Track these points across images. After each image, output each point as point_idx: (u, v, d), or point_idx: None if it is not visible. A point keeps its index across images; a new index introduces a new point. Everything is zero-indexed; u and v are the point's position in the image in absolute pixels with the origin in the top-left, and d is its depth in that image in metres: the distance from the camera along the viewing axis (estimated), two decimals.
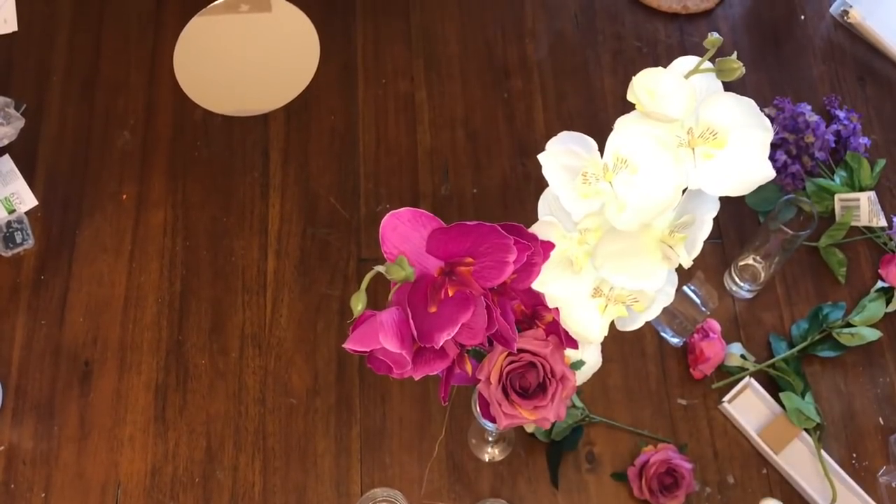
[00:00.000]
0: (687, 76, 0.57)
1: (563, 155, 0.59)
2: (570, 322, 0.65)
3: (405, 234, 0.57)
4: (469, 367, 0.61)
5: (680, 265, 0.60)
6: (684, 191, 0.59)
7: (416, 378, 0.59)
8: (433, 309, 0.56)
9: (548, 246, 0.61)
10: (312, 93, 1.21)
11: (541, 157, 0.59)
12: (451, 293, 0.56)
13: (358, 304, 0.56)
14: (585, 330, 0.64)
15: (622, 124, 0.58)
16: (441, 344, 0.55)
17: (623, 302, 0.62)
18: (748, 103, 0.57)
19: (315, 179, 1.15)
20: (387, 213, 0.56)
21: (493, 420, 0.68)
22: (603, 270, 0.60)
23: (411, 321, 0.56)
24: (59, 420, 1.02)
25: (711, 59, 0.58)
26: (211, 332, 1.06)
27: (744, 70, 0.57)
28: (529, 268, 0.61)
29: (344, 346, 0.57)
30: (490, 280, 0.57)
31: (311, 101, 1.21)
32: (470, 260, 0.56)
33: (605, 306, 0.62)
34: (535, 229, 0.63)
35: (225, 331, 1.06)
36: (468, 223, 0.56)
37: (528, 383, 0.65)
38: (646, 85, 0.56)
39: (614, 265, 0.60)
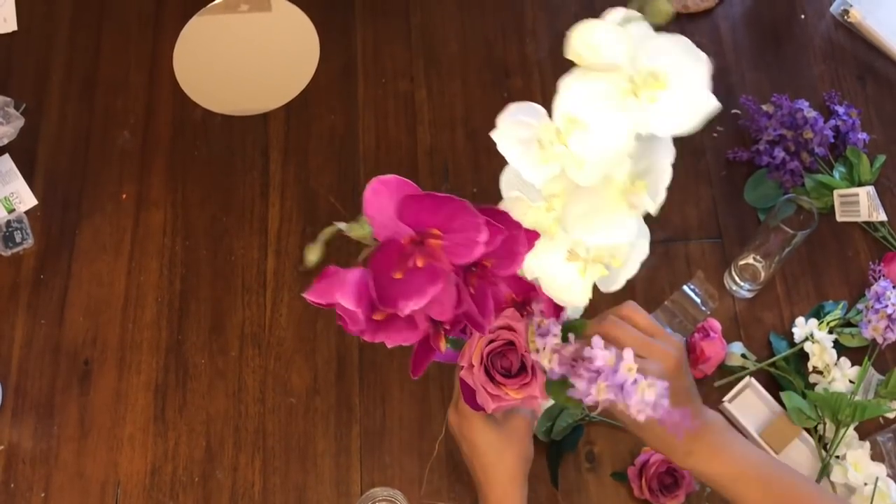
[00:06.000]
0: (620, 24, 0.58)
1: (514, 128, 0.60)
2: (553, 291, 0.65)
3: (388, 200, 0.57)
4: (442, 346, 0.61)
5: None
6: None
7: (389, 345, 0.59)
8: (398, 275, 0.56)
9: (533, 235, 0.61)
10: (312, 92, 1.21)
11: (493, 134, 0.60)
12: (420, 264, 0.56)
13: (311, 254, 0.56)
14: (570, 296, 0.64)
15: (565, 85, 0.58)
16: (406, 313, 0.56)
17: (601, 261, 0.62)
18: (682, 41, 0.58)
19: (315, 179, 1.15)
20: (374, 177, 0.56)
21: (482, 409, 0.68)
22: (575, 233, 0.60)
23: (370, 282, 0.56)
24: (59, 419, 1.02)
25: (640, 10, 0.59)
26: (210, 332, 1.06)
27: (673, 10, 0.57)
28: (512, 255, 0.61)
29: (303, 294, 0.57)
30: (460, 257, 0.57)
31: (311, 101, 1.21)
32: (437, 232, 0.56)
33: (585, 268, 0.63)
34: (502, 207, 0.64)
35: (225, 330, 1.06)
36: (440, 195, 0.56)
37: (510, 363, 0.66)
38: (584, 39, 0.56)
39: (585, 225, 0.60)
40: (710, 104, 0.57)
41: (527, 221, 0.62)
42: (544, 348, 0.63)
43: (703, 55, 0.57)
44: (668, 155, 0.60)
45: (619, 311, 0.66)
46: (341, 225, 0.56)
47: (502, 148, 0.60)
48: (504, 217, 0.60)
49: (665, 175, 0.59)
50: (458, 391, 0.72)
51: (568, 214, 0.61)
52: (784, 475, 0.67)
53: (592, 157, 0.58)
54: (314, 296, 0.57)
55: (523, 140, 0.60)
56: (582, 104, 0.57)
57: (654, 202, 0.59)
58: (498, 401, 0.66)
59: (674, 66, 0.57)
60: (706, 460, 0.65)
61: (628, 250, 0.63)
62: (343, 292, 0.55)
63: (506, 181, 0.64)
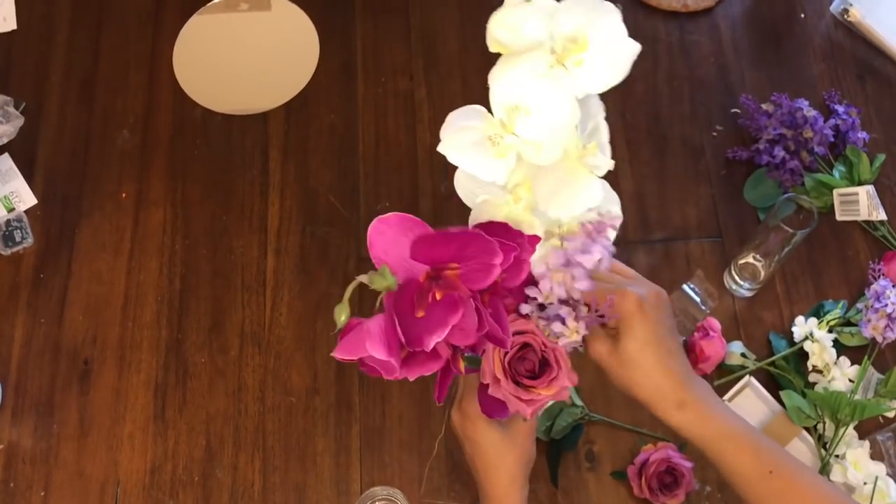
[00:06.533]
0: None
1: (459, 135, 0.60)
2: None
3: (393, 239, 0.57)
4: (462, 367, 0.61)
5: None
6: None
7: (412, 379, 0.59)
8: (421, 314, 0.56)
9: (534, 240, 0.61)
10: (312, 91, 1.21)
11: (441, 148, 0.60)
12: (438, 297, 0.56)
13: (341, 315, 0.56)
14: None
15: (495, 77, 0.59)
16: (431, 347, 0.55)
17: (575, 231, 0.63)
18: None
19: (314, 178, 1.15)
20: (375, 218, 0.56)
21: (507, 414, 0.67)
22: (550, 211, 0.61)
23: (398, 327, 0.55)
24: (59, 418, 1.02)
25: None
26: (210, 331, 1.06)
27: None
28: (518, 265, 0.61)
29: (332, 354, 0.57)
30: (477, 283, 0.57)
31: (311, 100, 1.21)
32: (455, 265, 0.56)
33: (562, 244, 0.63)
34: (474, 215, 0.64)
35: (224, 329, 1.06)
36: (452, 230, 0.56)
37: (532, 364, 0.65)
38: (504, 23, 0.58)
39: (556, 202, 0.61)
40: (632, 48, 0.58)
41: (500, 218, 0.62)
42: (567, 325, 0.63)
43: (611, 5, 0.59)
44: (600, 110, 0.61)
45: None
46: (363, 278, 0.56)
47: (453, 158, 0.60)
48: (505, 229, 0.60)
49: (604, 130, 0.61)
50: (462, 391, 0.72)
51: (539, 196, 0.62)
52: (772, 445, 0.65)
53: (544, 137, 0.58)
54: (342, 353, 0.56)
55: (472, 143, 0.60)
56: (516, 90, 0.58)
57: (606, 158, 0.60)
58: (533, 404, 0.65)
59: (588, 25, 0.58)
60: (698, 416, 0.63)
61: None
62: (372, 343, 0.55)
63: (463, 189, 0.64)
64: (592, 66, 0.58)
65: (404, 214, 0.57)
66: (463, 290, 0.57)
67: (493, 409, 0.68)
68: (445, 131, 0.61)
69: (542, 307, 0.64)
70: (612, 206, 0.64)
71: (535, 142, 0.59)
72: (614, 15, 0.58)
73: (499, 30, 0.58)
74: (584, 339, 0.64)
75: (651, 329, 0.63)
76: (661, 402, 0.63)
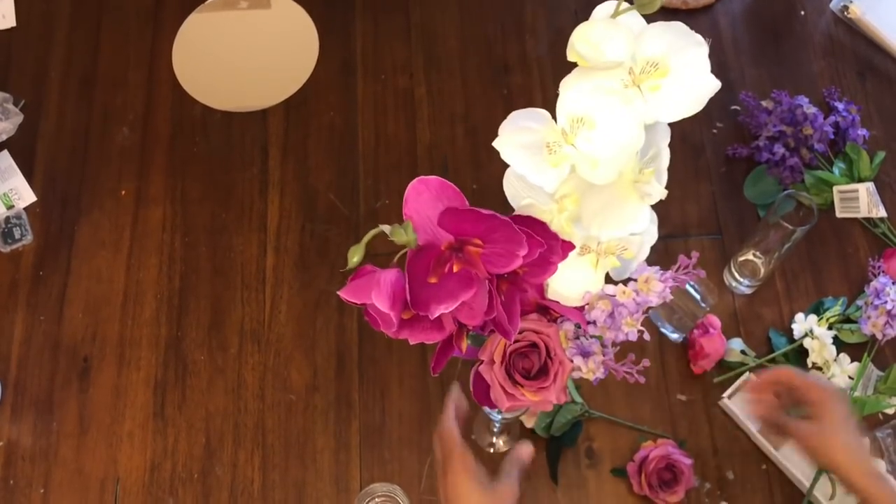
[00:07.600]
0: (613, 16, 0.59)
1: (517, 134, 0.60)
2: (561, 286, 0.64)
3: (427, 202, 0.57)
4: (464, 346, 0.62)
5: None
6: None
7: (412, 342, 0.59)
8: (433, 280, 0.56)
9: (567, 246, 0.61)
10: (311, 89, 1.21)
11: (496, 143, 0.60)
12: (456, 269, 0.56)
13: (354, 255, 0.56)
14: (580, 288, 0.64)
15: (566, 86, 0.58)
16: (437, 315, 0.56)
17: (613, 253, 0.63)
18: (677, 26, 0.58)
19: (314, 175, 1.15)
20: (417, 177, 0.57)
21: (492, 405, 0.67)
22: (593, 230, 0.61)
23: (407, 286, 0.56)
24: (58, 416, 1.02)
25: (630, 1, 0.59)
26: (210, 328, 1.06)
27: (662, 1, 0.58)
28: (545, 265, 0.61)
29: (338, 292, 0.57)
30: (498, 266, 0.57)
31: (311, 98, 1.21)
32: (479, 241, 0.56)
33: (597, 261, 0.63)
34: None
35: (224, 327, 1.06)
36: (483, 211, 0.56)
37: (531, 364, 0.66)
38: (585, 36, 0.57)
39: (601, 221, 0.61)
40: (712, 85, 0.58)
41: None
42: (587, 363, 0.65)
43: (700, 37, 0.58)
44: (665, 137, 0.60)
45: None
46: (385, 228, 0.56)
47: (506, 156, 0.60)
48: (542, 227, 0.60)
49: (665, 157, 0.60)
50: (443, 445, 0.71)
51: (584, 213, 0.61)
52: None
53: (603, 154, 0.58)
54: (348, 294, 0.57)
55: (527, 145, 0.60)
56: (585, 102, 0.58)
57: (660, 186, 0.59)
58: (513, 400, 0.65)
59: (673, 52, 0.57)
60: (879, 488, 0.77)
61: (640, 240, 0.63)
62: (378, 293, 0.55)
63: (511, 188, 0.64)
64: (668, 95, 0.58)
65: (447, 182, 0.57)
66: (481, 270, 0.57)
67: (483, 395, 0.68)
68: (505, 128, 0.60)
69: (578, 328, 0.65)
70: (651, 225, 0.64)
71: (592, 157, 0.58)
72: (702, 48, 0.58)
73: (580, 43, 0.57)
74: (792, 431, 0.82)
75: (847, 412, 0.80)
76: (861, 468, 0.78)
